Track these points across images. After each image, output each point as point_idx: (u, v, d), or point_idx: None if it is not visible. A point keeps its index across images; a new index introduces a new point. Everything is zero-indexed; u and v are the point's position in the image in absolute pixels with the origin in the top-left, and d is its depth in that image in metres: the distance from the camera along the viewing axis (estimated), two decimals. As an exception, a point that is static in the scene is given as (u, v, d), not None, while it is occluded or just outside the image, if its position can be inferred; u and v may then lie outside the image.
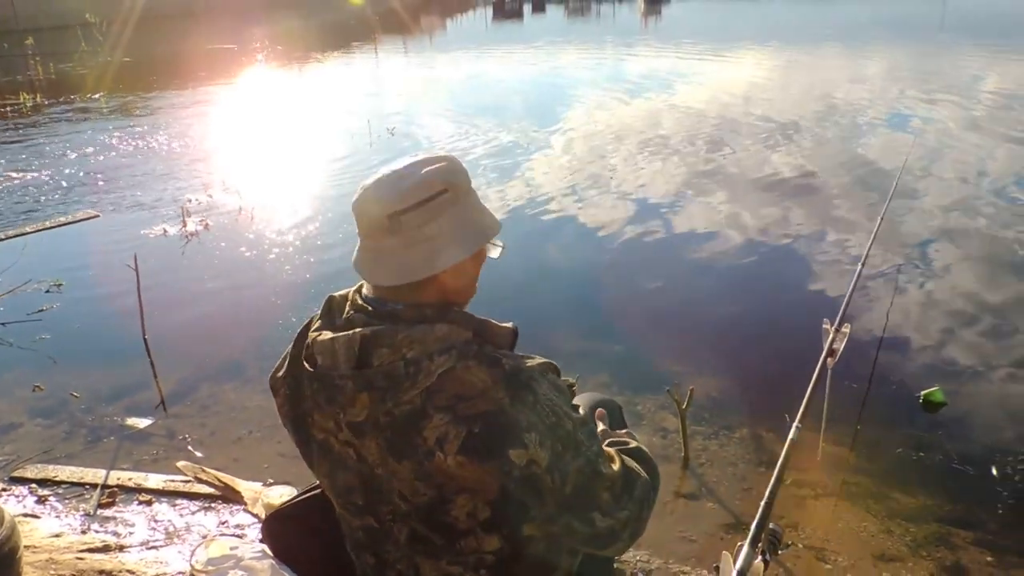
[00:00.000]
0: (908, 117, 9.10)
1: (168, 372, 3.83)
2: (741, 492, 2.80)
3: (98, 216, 6.33)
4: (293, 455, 3.06)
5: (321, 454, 1.33)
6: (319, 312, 1.35)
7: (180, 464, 2.85)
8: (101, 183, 7.35)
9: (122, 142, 9.16)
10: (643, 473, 1.39)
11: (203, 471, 2.77)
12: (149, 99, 12.65)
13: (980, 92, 10.42)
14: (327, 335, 1.26)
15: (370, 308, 1.27)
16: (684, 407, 2.96)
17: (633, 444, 1.50)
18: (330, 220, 6.04)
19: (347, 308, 1.30)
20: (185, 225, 5.94)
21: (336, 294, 1.36)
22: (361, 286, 1.33)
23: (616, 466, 1.30)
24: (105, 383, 3.75)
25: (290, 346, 1.41)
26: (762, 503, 1.79)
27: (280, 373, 1.40)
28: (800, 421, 2.08)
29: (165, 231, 5.88)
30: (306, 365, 1.28)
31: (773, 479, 1.83)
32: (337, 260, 5.22)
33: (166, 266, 5.25)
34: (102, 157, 8.39)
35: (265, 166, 8.03)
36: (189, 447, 3.21)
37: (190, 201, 6.58)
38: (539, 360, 1.29)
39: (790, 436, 2.02)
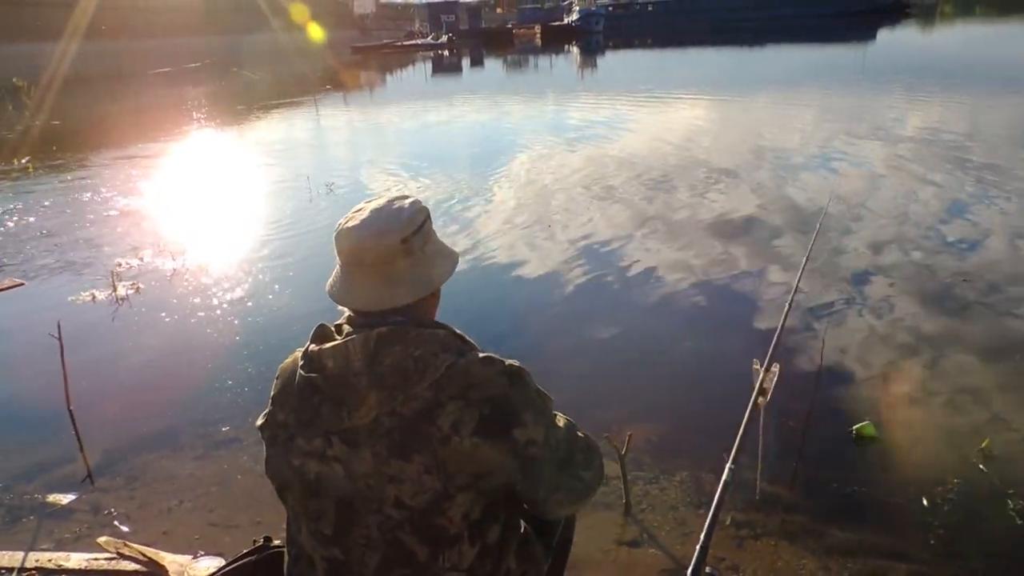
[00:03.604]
0: (834, 158, 9.44)
1: (95, 443, 3.68)
2: (682, 536, 2.80)
3: (23, 284, 6.12)
4: (225, 524, 3.01)
5: (296, 483, 1.40)
6: (309, 340, 1.42)
7: (101, 540, 2.72)
8: (27, 249, 7.13)
9: (50, 206, 8.93)
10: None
11: (126, 546, 2.65)
12: (78, 162, 12.39)
13: (901, 132, 10.90)
14: (336, 342, 1.36)
15: (373, 321, 1.39)
16: (623, 453, 2.96)
17: (562, 420, 1.61)
18: (265, 280, 5.94)
19: (344, 327, 1.42)
20: (115, 290, 5.78)
21: (325, 324, 1.46)
22: (350, 316, 1.44)
23: (581, 433, 1.57)
24: (26, 458, 3.58)
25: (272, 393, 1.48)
26: (697, 547, 1.80)
27: (265, 416, 1.48)
28: (734, 462, 2.10)
29: (94, 296, 5.71)
30: (312, 376, 1.36)
31: (707, 523, 1.84)
32: (271, 320, 5.14)
33: (94, 333, 5.09)
34: (29, 222, 8.16)
35: (200, 226, 7.89)
36: (115, 522, 3.08)
37: (120, 265, 6.41)
38: None
39: (723, 478, 2.04)
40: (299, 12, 60.07)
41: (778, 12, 66.44)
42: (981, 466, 3.05)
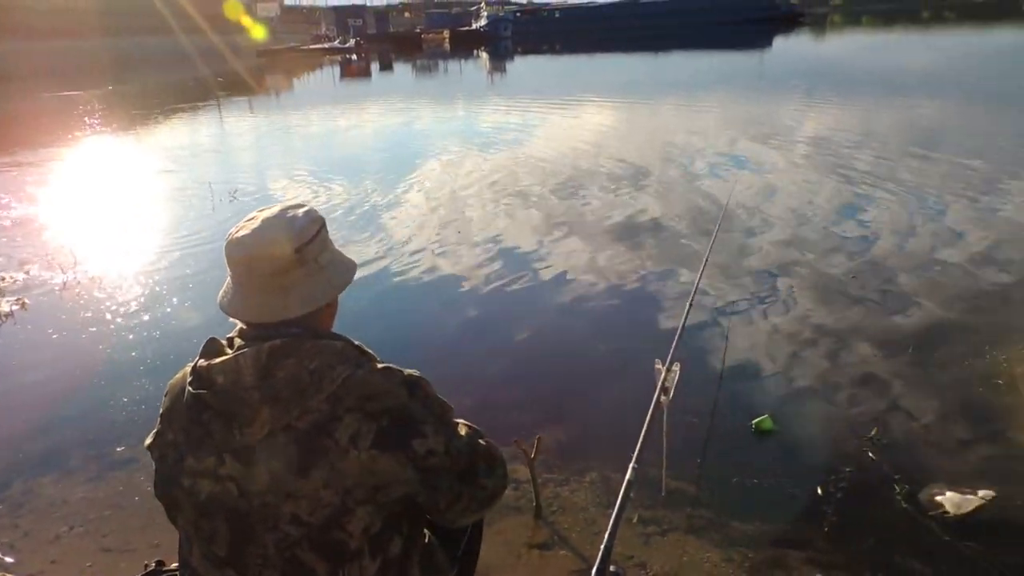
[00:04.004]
0: (735, 160, 9.77)
1: (-26, 471, 3.46)
2: (592, 536, 2.82)
3: None
4: (121, 549, 2.87)
5: (187, 504, 1.35)
6: (198, 355, 1.37)
7: (-19, 575, 2.56)
8: (-100, 264, 6.64)
9: (-73, 218, 8.34)
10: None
11: (8, 579, 2.50)
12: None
13: (797, 135, 11.38)
14: (226, 356, 1.31)
15: (266, 333, 1.34)
16: (532, 457, 2.97)
17: (464, 429, 1.61)
18: (162, 293, 5.70)
19: (236, 340, 1.37)
20: (-2, 305, 5.45)
21: (215, 338, 1.41)
22: (241, 329, 1.40)
23: (483, 441, 1.55)
24: None
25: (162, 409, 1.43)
26: (602, 547, 1.82)
27: (154, 435, 1.43)
28: (637, 461, 2.13)
29: (-26, 314, 5.36)
30: (201, 392, 1.31)
31: (611, 522, 1.86)
32: (169, 335, 4.93)
33: (-25, 352, 4.79)
34: (-98, 235, 7.60)
35: (93, 237, 7.52)
36: (-2, 552, 2.89)
37: (4, 279, 6.04)
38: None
39: (627, 477, 2.07)
40: (233, 10, 58.16)
41: (680, 19, 68.65)
42: (871, 454, 3.20)
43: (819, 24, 72.60)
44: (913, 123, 12.21)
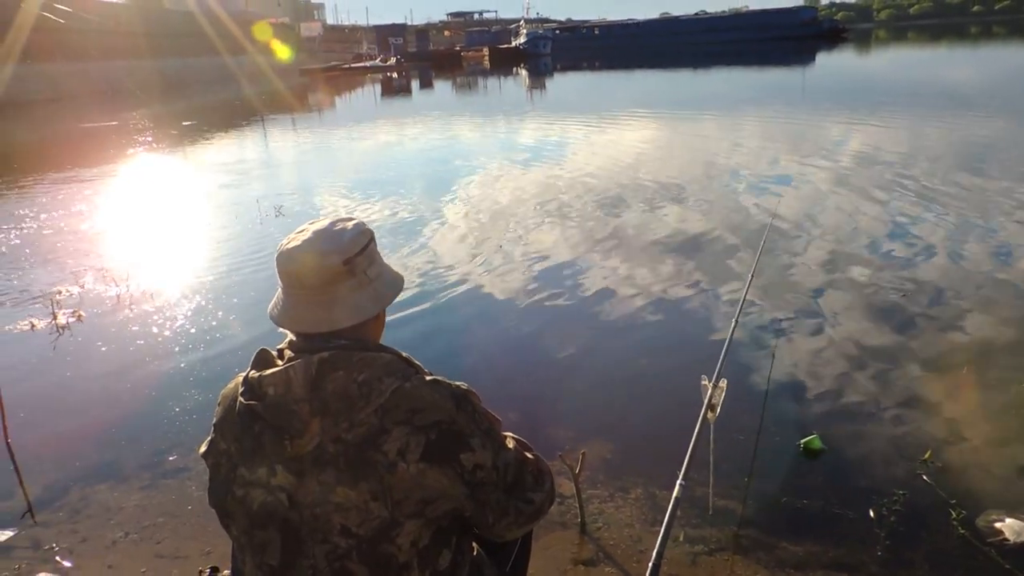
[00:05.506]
0: (778, 177, 9.69)
1: (35, 477, 3.55)
2: (637, 554, 2.81)
3: (-42, 312, 5.91)
4: (173, 556, 2.94)
5: (240, 513, 1.36)
6: (249, 366, 1.39)
7: (42, 578, 2.63)
8: (-38, 277, 6.88)
9: (-13, 232, 8.65)
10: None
11: (68, 584, 2.56)
12: (12, 187, 12.05)
13: (840, 152, 11.23)
14: (276, 368, 1.33)
15: (315, 345, 1.36)
16: (577, 472, 2.97)
17: (512, 442, 1.59)
18: (211, 307, 5.83)
19: (286, 351, 1.39)
20: (55, 318, 5.60)
21: (266, 348, 1.42)
22: (291, 340, 1.42)
23: (531, 455, 1.57)
24: (-39, 495, 3.44)
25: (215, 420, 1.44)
26: (649, 564, 1.81)
27: (208, 443, 1.44)
28: (684, 478, 2.12)
29: (32, 325, 5.52)
30: (252, 403, 1.32)
31: (659, 540, 1.85)
32: (217, 346, 5.03)
33: (34, 362, 4.93)
34: (-36, 249, 7.89)
35: (144, 251, 7.73)
36: (57, 557, 2.97)
37: (60, 292, 6.23)
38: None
39: (675, 494, 2.06)
40: (262, 31, 59.96)
41: (721, 36, 68.45)
42: (925, 477, 3.13)
43: (863, 39, 71.75)
44: (962, 139, 11.99)
